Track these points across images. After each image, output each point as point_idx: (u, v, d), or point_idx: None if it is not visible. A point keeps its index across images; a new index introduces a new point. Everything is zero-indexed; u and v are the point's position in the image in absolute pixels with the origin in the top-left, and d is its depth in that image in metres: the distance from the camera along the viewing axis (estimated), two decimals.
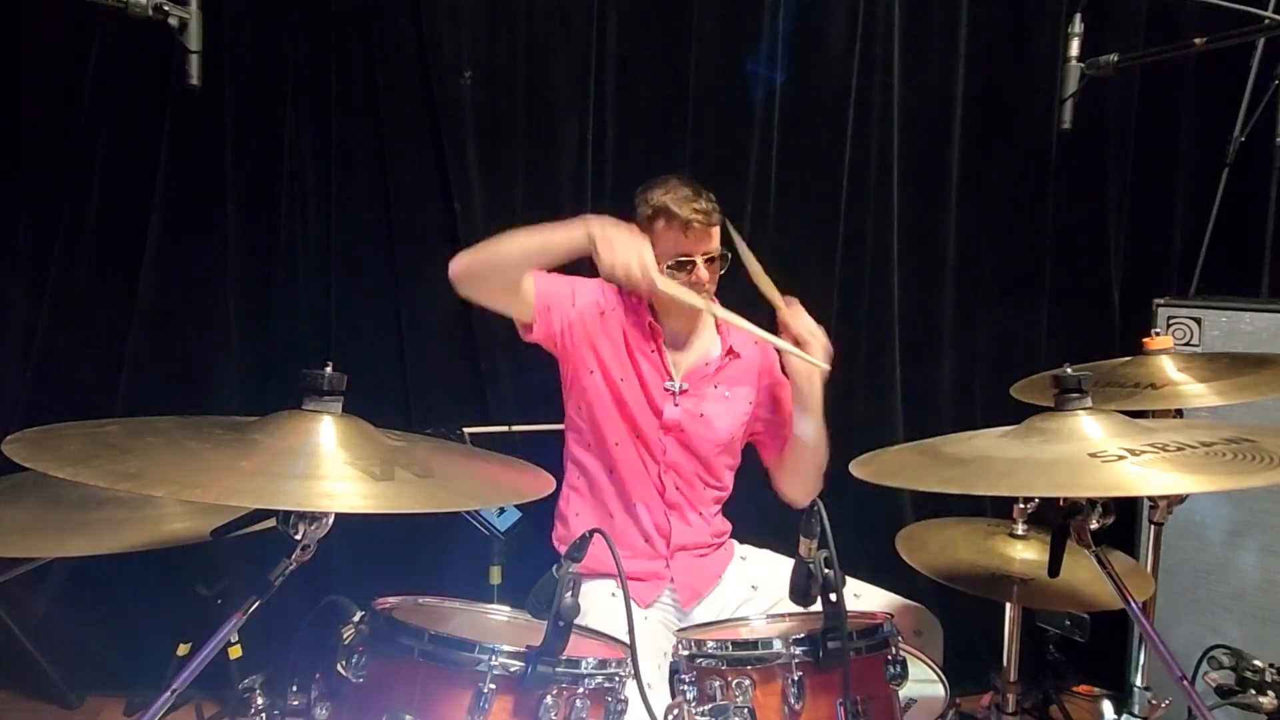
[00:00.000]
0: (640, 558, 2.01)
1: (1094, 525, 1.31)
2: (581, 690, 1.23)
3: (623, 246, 1.73)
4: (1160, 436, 1.27)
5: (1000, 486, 1.32)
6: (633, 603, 1.90)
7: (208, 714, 2.18)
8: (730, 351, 2.07)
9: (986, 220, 2.93)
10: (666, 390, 2.01)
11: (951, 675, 1.63)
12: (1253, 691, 1.60)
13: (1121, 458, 1.21)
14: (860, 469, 1.44)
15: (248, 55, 2.57)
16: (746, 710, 1.27)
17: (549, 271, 1.96)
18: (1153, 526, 2.00)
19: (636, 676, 1.27)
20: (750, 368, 2.11)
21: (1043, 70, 2.83)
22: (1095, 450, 1.24)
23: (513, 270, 1.89)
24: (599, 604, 1.85)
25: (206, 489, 1.07)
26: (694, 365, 2.05)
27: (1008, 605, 1.94)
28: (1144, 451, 1.22)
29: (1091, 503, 1.30)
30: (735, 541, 2.16)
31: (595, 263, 1.76)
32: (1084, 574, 1.71)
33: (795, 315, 1.94)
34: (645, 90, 2.72)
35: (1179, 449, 1.23)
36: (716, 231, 1.96)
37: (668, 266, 1.90)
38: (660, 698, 1.34)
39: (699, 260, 1.92)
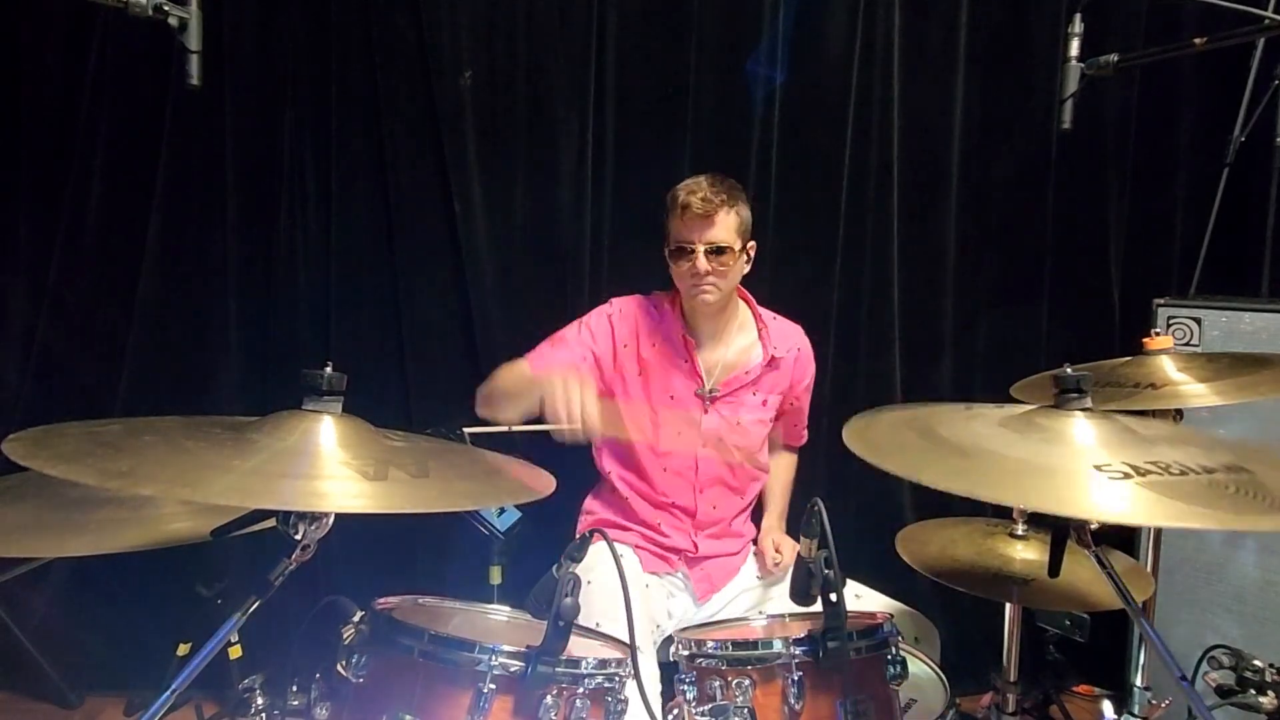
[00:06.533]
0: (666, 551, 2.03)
1: (1094, 526, 1.31)
2: (581, 690, 1.24)
3: (568, 405, 1.63)
4: (1159, 451, 1.23)
5: (997, 493, 1.26)
6: (637, 565, 1.93)
7: (208, 714, 2.18)
8: (772, 361, 2.05)
9: (986, 220, 2.93)
10: (697, 396, 2.00)
11: (951, 675, 1.64)
12: (1253, 691, 1.59)
13: (1127, 475, 1.15)
14: (853, 438, 1.34)
15: (248, 55, 2.57)
16: (746, 710, 1.27)
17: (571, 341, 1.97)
18: (1153, 526, 2.01)
19: (636, 677, 1.27)
20: (785, 375, 2.10)
21: (1042, 70, 2.83)
22: (1100, 462, 1.18)
23: (516, 400, 1.83)
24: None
25: (196, 488, 1.05)
26: (733, 373, 2.03)
27: (1008, 605, 1.93)
28: (1147, 471, 1.16)
29: None
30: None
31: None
32: (1084, 574, 1.70)
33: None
34: (645, 90, 2.71)
35: (1181, 473, 1.17)
36: (724, 220, 1.92)
37: (669, 252, 1.90)
38: (649, 665, 1.34)
39: (699, 248, 1.89)
